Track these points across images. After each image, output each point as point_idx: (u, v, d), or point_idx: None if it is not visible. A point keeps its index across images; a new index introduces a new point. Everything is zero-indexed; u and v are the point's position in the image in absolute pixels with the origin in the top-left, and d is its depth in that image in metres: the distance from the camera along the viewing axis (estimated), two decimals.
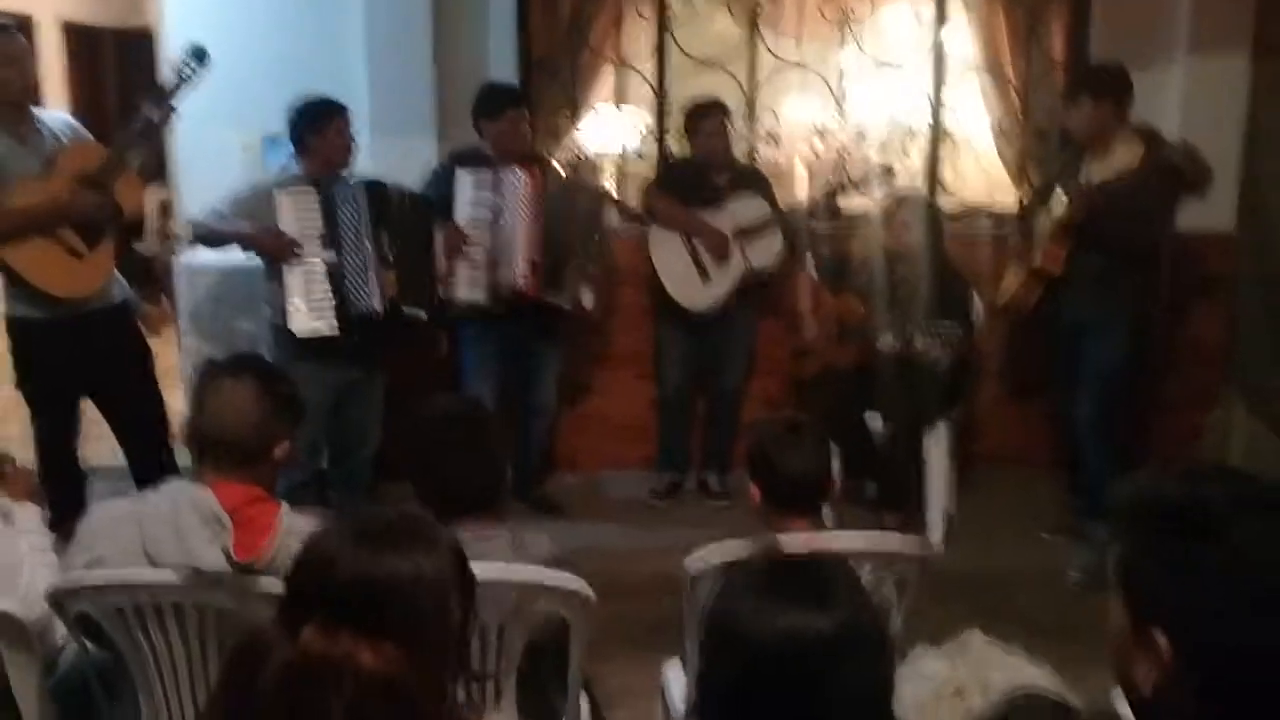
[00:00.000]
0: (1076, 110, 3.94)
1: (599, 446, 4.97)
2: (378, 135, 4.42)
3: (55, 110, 3.89)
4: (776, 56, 4.97)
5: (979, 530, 4.35)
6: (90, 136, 3.83)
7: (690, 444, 4.84)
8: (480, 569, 2.02)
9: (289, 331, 3.69)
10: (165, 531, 1.93)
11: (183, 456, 3.88)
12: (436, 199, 4.06)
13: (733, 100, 4.71)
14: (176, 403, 4.20)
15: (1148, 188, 3.77)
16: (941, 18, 4.89)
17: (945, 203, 4.93)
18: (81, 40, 8.15)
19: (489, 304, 4.09)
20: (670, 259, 4.46)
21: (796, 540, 2.06)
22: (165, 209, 5.96)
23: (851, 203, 4.99)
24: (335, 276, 3.70)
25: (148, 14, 5.63)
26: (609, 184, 5.17)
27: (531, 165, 4.15)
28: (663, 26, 4.84)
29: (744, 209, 4.42)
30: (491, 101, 4.16)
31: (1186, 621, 1.11)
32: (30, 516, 2.14)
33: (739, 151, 4.83)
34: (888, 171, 4.62)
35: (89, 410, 3.93)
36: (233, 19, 4.44)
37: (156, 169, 4.03)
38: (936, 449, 4.26)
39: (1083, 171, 3.97)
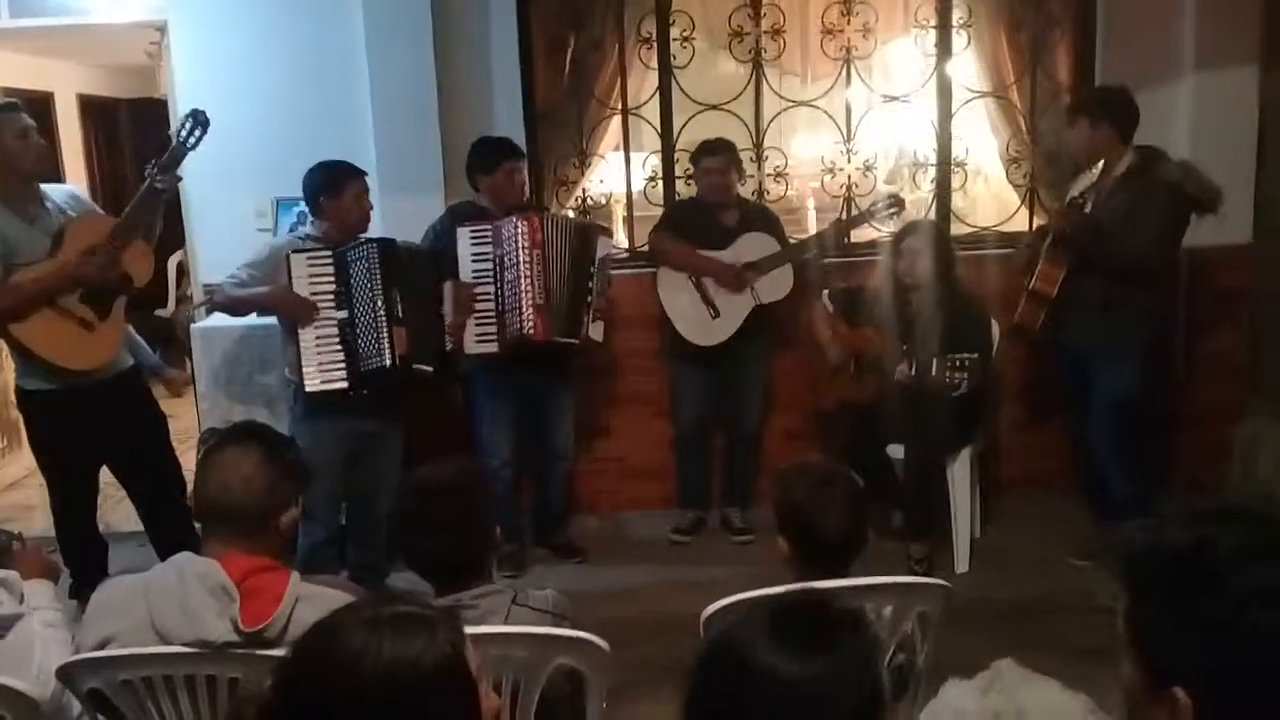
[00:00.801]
0: (1074, 133, 3.94)
1: (619, 488, 4.98)
2: (386, 194, 4.46)
3: (64, 185, 3.94)
4: (781, 97, 4.98)
5: (1005, 557, 4.32)
6: (96, 207, 3.90)
7: (710, 481, 4.82)
8: (490, 628, 2.05)
9: (304, 389, 3.72)
10: (172, 605, 1.94)
11: (124, 524, 3.93)
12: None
13: (740, 141, 4.73)
14: (193, 465, 4.23)
15: (1139, 206, 3.73)
16: (945, 48, 4.89)
17: (957, 230, 4.91)
18: (98, 112, 8.31)
19: (501, 354, 4.11)
20: (679, 299, 4.48)
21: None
22: (182, 271, 6.04)
23: (862, 234, 5.00)
24: (348, 334, 3.73)
25: (160, 84, 5.73)
26: (620, 231, 5.19)
27: (529, 212, 4.18)
28: (666, 72, 4.87)
29: (752, 246, 4.43)
30: (486, 156, 4.20)
31: (1204, 679, 1.08)
32: (43, 593, 2.15)
33: (747, 191, 4.84)
34: (896, 201, 4.61)
35: (107, 475, 3.97)
36: (242, 85, 4.52)
37: (172, 234, 4.08)
38: (960, 477, 4.23)
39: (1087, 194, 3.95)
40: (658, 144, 4.97)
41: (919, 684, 2.27)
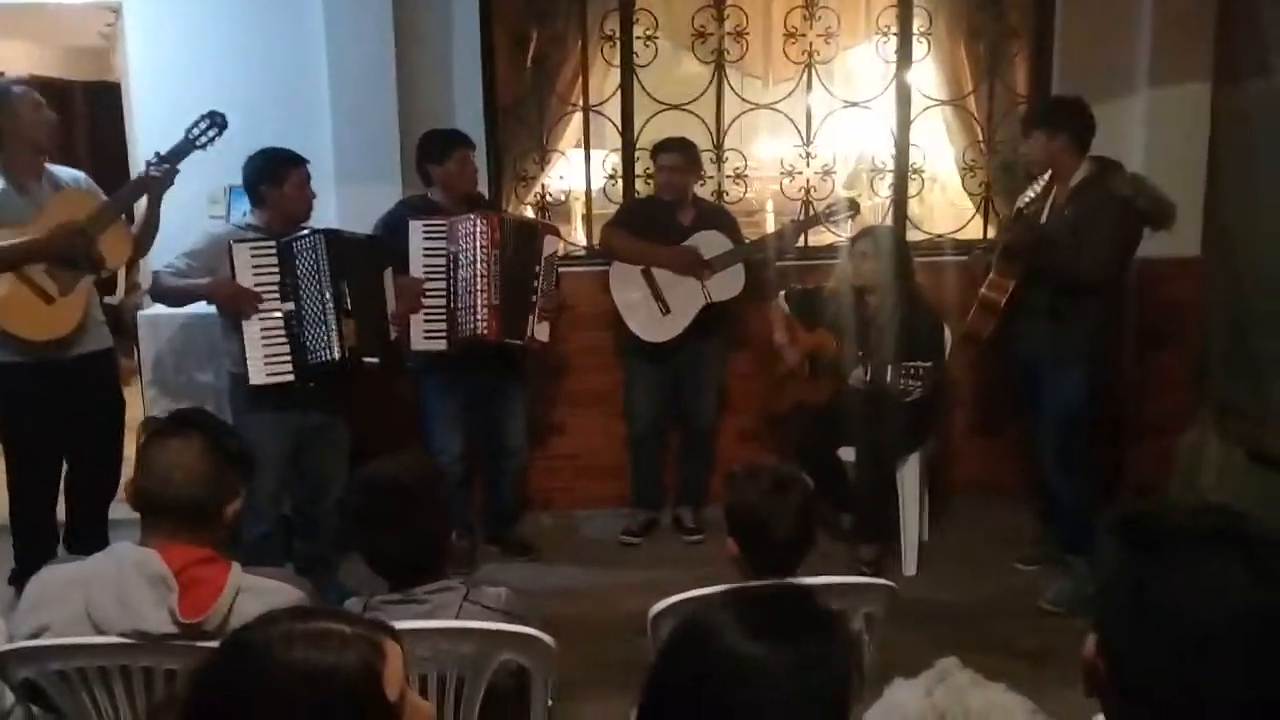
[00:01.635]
0: (1030, 143, 3.96)
1: (573, 486, 4.96)
2: (342, 185, 4.44)
3: (73, 170, 3.98)
4: (743, 99, 4.99)
5: (953, 560, 4.36)
6: (100, 192, 3.91)
7: (664, 481, 4.82)
8: (437, 622, 2.03)
9: (248, 381, 3.67)
10: (109, 595, 1.90)
11: (117, 511, 3.88)
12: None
13: (701, 142, 4.73)
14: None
15: (1089, 219, 3.77)
16: (905, 55, 4.93)
17: (913, 236, 4.95)
18: (51, 94, 8.14)
19: (450, 352, 4.08)
20: (630, 295, 4.47)
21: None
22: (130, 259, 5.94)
23: (820, 238, 5.02)
24: (293, 327, 3.68)
25: (115, 67, 5.64)
26: (578, 228, 5.18)
27: (486, 211, 4.16)
28: (628, 70, 4.86)
29: (705, 244, 4.43)
30: (437, 145, 4.18)
31: (1112, 642, 1.12)
32: None
33: (706, 192, 4.84)
34: (852, 205, 4.64)
35: None
36: (197, 70, 4.46)
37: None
38: (909, 480, 4.26)
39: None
40: (618, 142, 4.97)
41: (864, 684, 2.28)
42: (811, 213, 4.88)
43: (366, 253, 3.87)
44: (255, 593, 1.96)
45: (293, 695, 1.21)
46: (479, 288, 4.03)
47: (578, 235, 5.29)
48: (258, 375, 3.65)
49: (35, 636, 1.93)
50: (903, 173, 5.02)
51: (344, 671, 1.22)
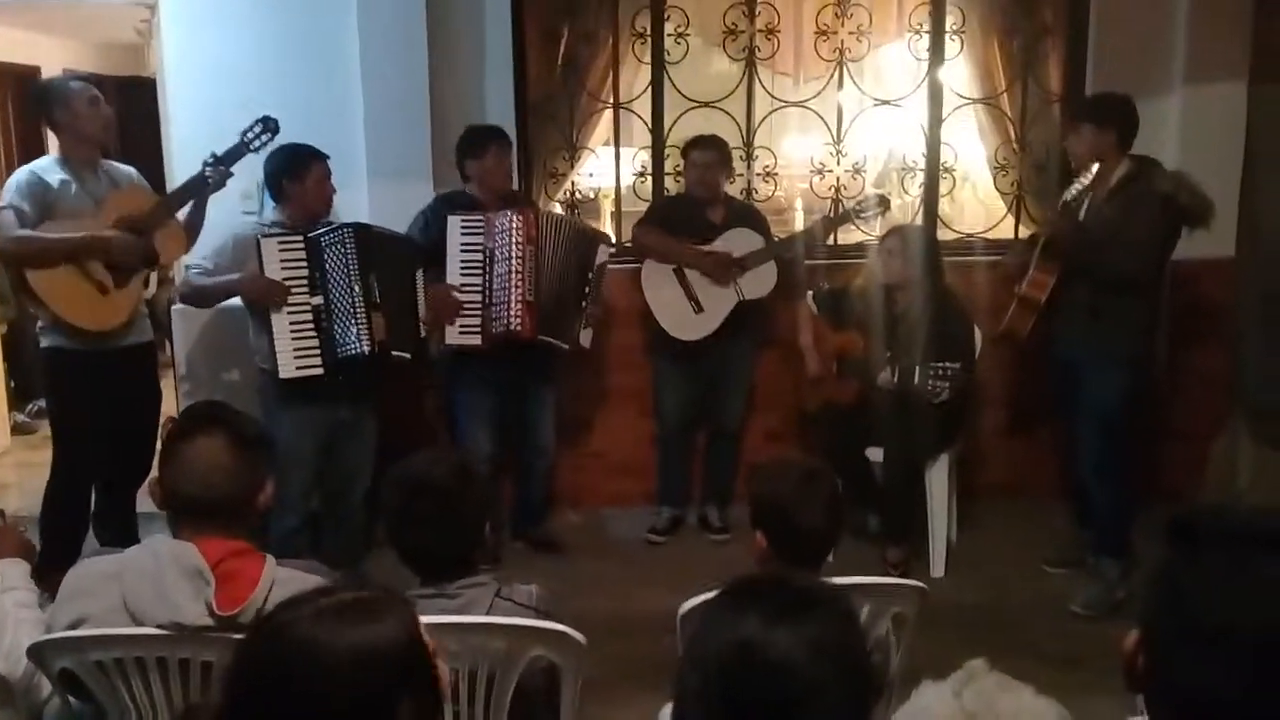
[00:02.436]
0: (1077, 137, 3.92)
1: (600, 484, 4.96)
2: (374, 181, 4.46)
3: (127, 166, 4.10)
4: (773, 96, 4.98)
5: (982, 562, 4.33)
6: (149, 189, 4.04)
7: (691, 479, 4.82)
8: (469, 617, 2.04)
9: (278, 377, 3.70)
10: (147, 586, 1.92)
11: (144, 504, 3.93)
12: (425, 244, 4.08)
13: (731, 139, 4.72)
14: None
15: (1131, 216, 3.74)
16: (938, 53, 4.90)
17: (943, 235, 4.92)
18: None
19: (484, 348, 4.09)
20: (662, 293, 4.47)
21: None
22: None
23: (849, 236, 5.01)
24: (322, 320, 3.71)
25: (149, 63, 5.69)
26: (608, 226, 5.19)
27: (523, 207, 4.17)
28: (659, 67, 4.86)
29: (737, 241, 4.43)
30: (474, 139, 4.21)
31: (1154, 642, 1.12)
32: (17, 573, 2.12)
33: (736, 189, 4.84)
34: (882, 201, 4.62)
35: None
36: (231, 67, 4.49)
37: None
38: (937, 482, 4.24)
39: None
40: (648, 139, 4.97)
41: (893, 687, 2.28)
42: (841, 210, 4.86)
43: (395, 248, 3.89)
44: (289, 585, 1.96)
45: (338, 671, 1.22)
46: (514, 284, 4.05)
47: (607, 232, 5.28)
48: (287, 368, 3.68)
49: (73, 627, 1.95)
50: (934, 171, 4.99)
51: (387, 637, 1.25)
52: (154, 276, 4.91)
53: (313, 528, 4.02)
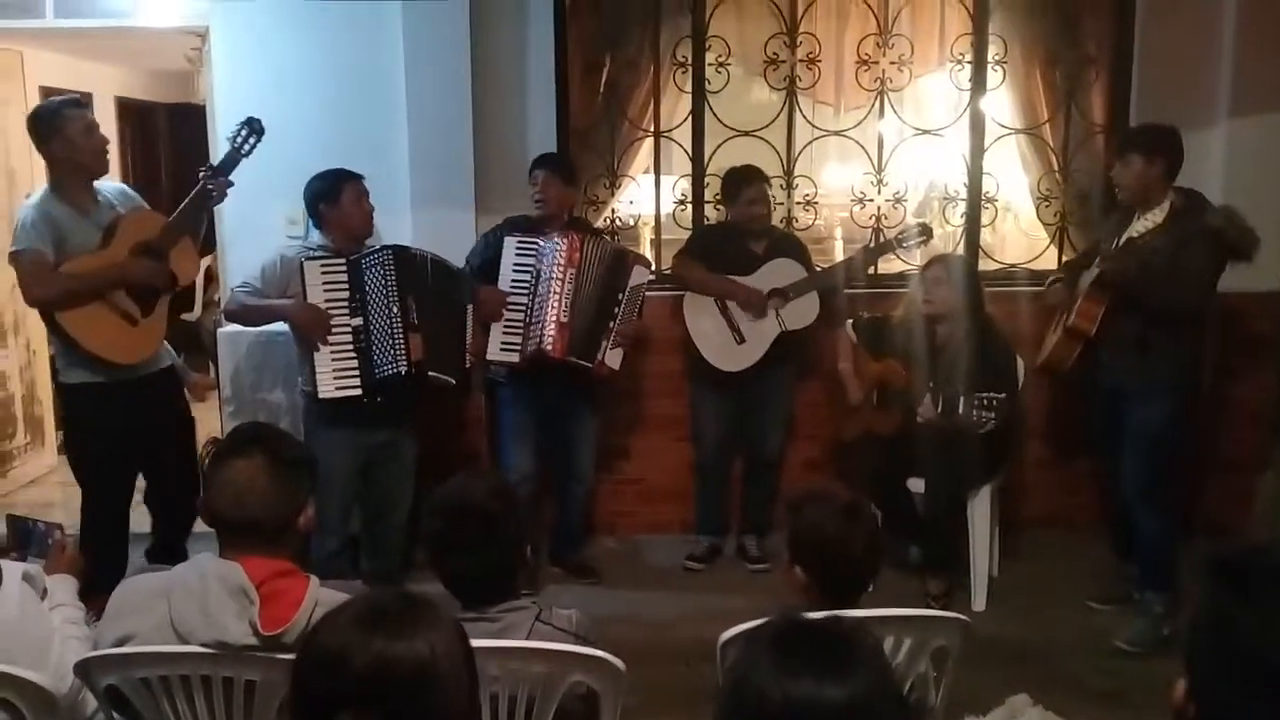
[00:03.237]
0: (1125, 168, 3.89)
1: (638, 511, 4.96)
2: (418, 209, 4.51)
3: (114, 182, 4.03)
4: (814, 125, 4.99)
5: (1023, 595, 4.28)
6: (144, 203, 3.97)
7: (728, 507, 4.80)
8: (509, 641, 2.05)
9: (318, 398, 3.73)
10: (192, 605, 1.94)
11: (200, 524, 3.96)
12: (484, 264, 4.16)
13: (771, 168, 4.74)
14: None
15: (1184, 250, 3.72)
16: (980, 83, 4.89)
17: (985, 266, 4.90)
18: (135, 115, 8.41)
19: (521, 365, 4.13)
20: (704, 323, 4.48)
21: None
22: (210, 276, 6.09)
23: (890, 266, 4.99)
24: (362, 341, 3.74)
25: (199, 90, 5.79)
26: (648, 253, 5.20)
27: (571, 230, 4.21)
28: (700, 96, 4.89)
29: (779, 272, 4.43)
30: (531, 166, 4.28)
31: (1203, 686, 1.10)
32: (66, 590, 2.15)
33: (776, 219, 4.84)
34: (924, 230, 4.60)
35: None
36: (280, 94, 4.55)
37: (207, 239, 4.15)
38: (980, 513, 4.20)
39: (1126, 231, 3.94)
40: (688, 167, 4.99)
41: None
42: (883, 239, 4.85)
43: (439, 271, 3.92)
44: (330, 607, 1.98)
45: (380, 673, 1.27)
46: (551, 304, 4.09)
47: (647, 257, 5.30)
48: (326, 389, 3.72)
49: (120, 644, 1.98)
50: (975, 201, 4.97)
51: (429, 640, 1.31)
52: (199, 299, 4.95)
53: (352, 550, 4.04)
